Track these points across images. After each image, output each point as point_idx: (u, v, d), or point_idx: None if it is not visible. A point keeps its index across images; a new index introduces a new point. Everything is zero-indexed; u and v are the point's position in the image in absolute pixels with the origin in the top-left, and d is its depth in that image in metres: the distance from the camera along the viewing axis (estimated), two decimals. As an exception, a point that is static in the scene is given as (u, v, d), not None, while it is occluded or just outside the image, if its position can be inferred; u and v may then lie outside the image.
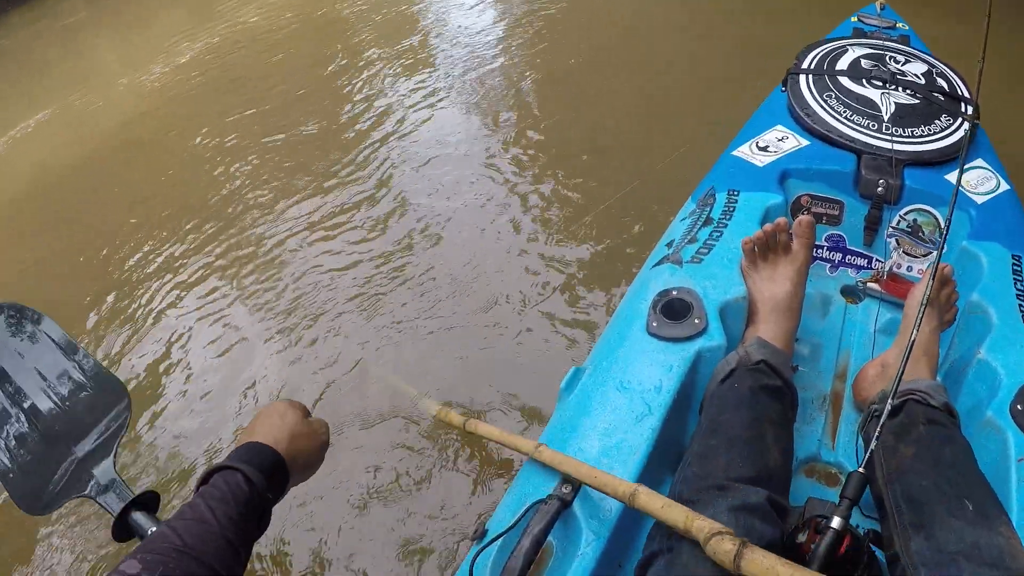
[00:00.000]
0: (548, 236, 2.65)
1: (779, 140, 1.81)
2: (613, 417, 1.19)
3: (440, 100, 3.69)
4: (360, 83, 3.99)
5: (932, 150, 1.67)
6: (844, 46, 2.13)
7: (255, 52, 4.74)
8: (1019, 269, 1.46)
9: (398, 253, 2.70)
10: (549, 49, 4.11)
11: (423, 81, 3.90)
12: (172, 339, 2.55)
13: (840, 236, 1.70)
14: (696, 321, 1.27)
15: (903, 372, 1.07)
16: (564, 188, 2.93)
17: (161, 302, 2.74)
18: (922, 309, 1.15)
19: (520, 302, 2.36)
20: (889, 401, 1.04)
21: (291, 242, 2.88)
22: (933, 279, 1.21)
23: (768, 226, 1.37)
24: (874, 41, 2.19)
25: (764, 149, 1.79)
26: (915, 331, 1.12)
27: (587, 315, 2.27)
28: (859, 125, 1.75)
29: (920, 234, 1.63)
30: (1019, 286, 1.41)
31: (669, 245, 1.58)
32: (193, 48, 5.00)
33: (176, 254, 2.95)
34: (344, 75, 4.11)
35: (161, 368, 2.46)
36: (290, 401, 0.95)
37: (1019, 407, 1.15)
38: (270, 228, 2.98)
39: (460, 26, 4.51)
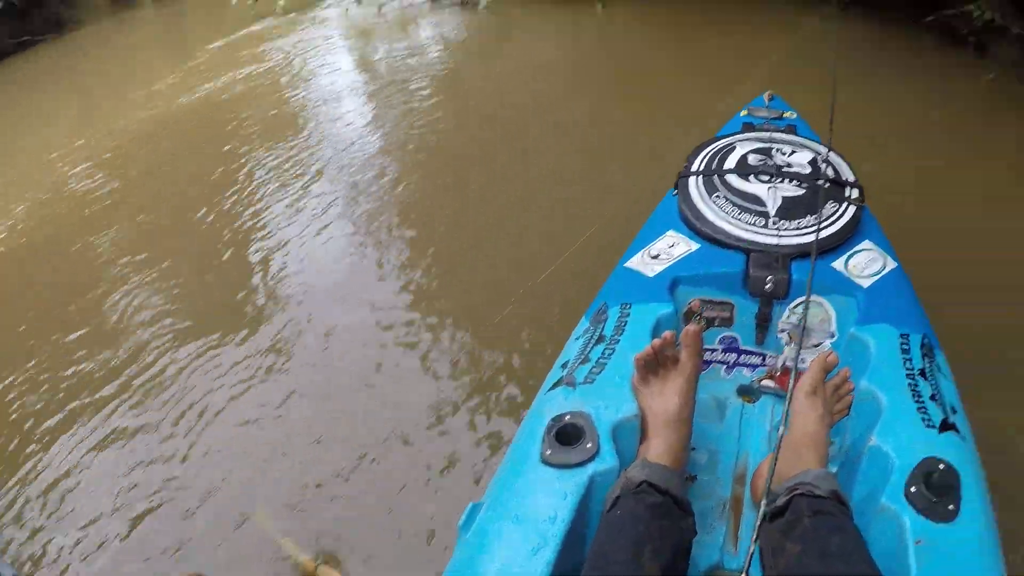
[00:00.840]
0: (444, 357, 3.18)
1: (670, 247, 2.27)
2: (509, 552, 1.46)
3: (326, 213, 4.39)
4: (241, 201, 4.65)
5: (816, 240, 2.11)
6: (732, 143, 2.67)
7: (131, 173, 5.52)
8: (907, 347, 1.87)
9: (283, 378, 3.20)
10: (431, 155, 5.04)
11: (305, 196, 4.63)
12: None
13: (733, 337, 2.13)
14: (588, 445, 1.60)
15: (773, 471, 1.38)
16: (458, 304, 3.54)
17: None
18: (787, 404, 1.50)
19: (416, 434, 2.84)
20: (763, 504, 1.34)
21: (169, 368, 3.36)
22: (794, 374, 1.58)
23: (655, 341, 1.72)
24: (762, 134, 2.74)
25: (656, 257, 2.24)
26: (783, 428, 1.46)
27: (488, 444, 2.74)
28: (747, 223, 2.22)
29: (811, 325, 2.05)
30: (908, 364, 1.81)
31: (564, 366, 1.94)
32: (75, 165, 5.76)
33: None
34: (224, 190, 4.83)
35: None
36: None
37: (912, 489, 1.48)
38: (140, 355, 3.47)
39: (345, 138, 5.43)
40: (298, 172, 4.94)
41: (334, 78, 7.00)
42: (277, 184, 4.87)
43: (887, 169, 3.66)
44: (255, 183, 4.90)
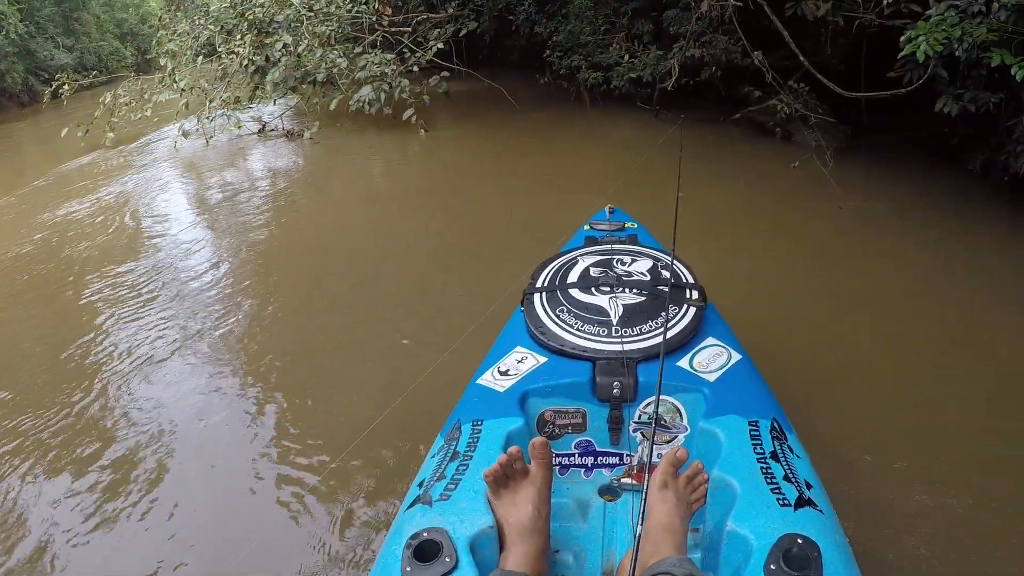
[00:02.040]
0: (301, 479, 3.22)
1: (518, 362, 2.40)
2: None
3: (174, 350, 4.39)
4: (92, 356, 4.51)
5: (658, 344, 2.30)
6: (575, 257, 2.89)
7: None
8: (756, 433, 2.01)
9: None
10: (267, 284, 5.24)
11: (146, 326, 4.65)
12: None
13: (588, 441, 2.25)
14: (447, 560, 1.65)
15: (635, 565, 1.47)
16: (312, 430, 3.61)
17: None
18: (643, 500, 1.63)
19: (282, 556, 2.82)
20: None
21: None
22: (647, 471, 1.72)
23: (501, 457, 1.82)
24: (603, 247, 2.99)
25: (505, 373, 2.37)
26: (640, 525, 1.56)
27: (352, 564, 2.75)
28: (590, 334, 2.39)
29: (663, 422, 2.21)
30: (759, 449, 1.95)
31: (420, 484, 2.00)
32: None
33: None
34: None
35: None
36: None
37: (772, 567, 1.57)
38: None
39: (184, 272, 5.53)
40: (137, 306, 4.97)
41: (168, 211, 7.13)
42: (118, 316, 4.88)
43: (725, 264, 4.06)
44: (98, 317, 4.89)
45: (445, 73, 9.63)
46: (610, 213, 3.59)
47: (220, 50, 10.04)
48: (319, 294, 5.07)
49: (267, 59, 9.62)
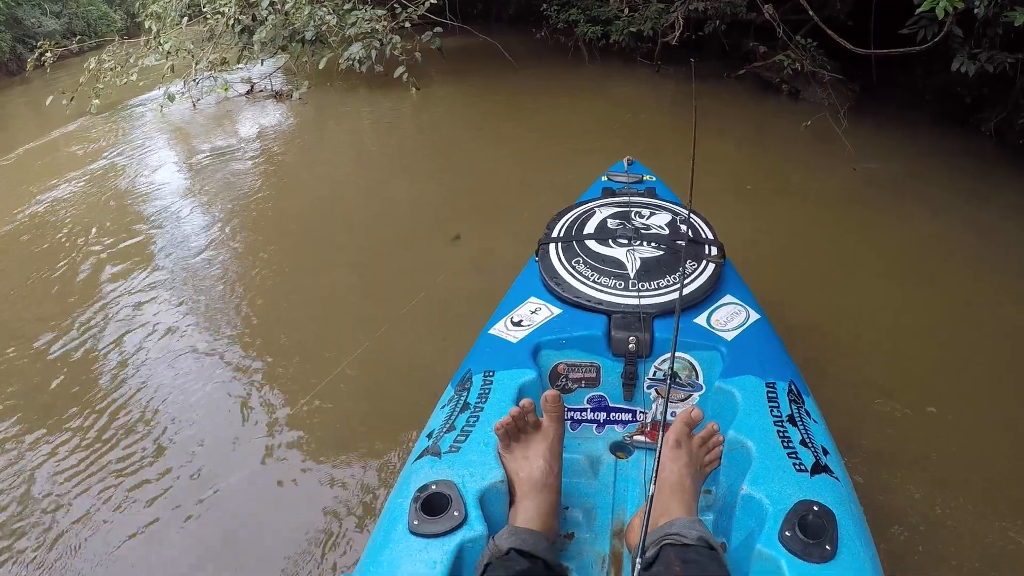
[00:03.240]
0: (311, 426, 3.30)
1: (532, 313, 2.40)
2: (380, 624, 1.46)
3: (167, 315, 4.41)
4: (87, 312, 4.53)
5: (676, 299, 2.29)
6: (592, 208, 2.87)
7: None
8: (774, 395, 2.01)
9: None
10: (262, 243, 5.26)
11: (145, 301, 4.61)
12: None
13: (601, 396, 2.25)
14: (455, 514, 1.66)
15: (647, 525, 1.46)
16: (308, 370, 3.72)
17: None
18: (656, 459, 1.61)
19: (289, 505, 2.92)
20: (637, 558, 1.44)
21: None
22: (662, 429, 1.69)
23: (513, 410, 1.81)
24: (621, 199, 2.97)
25: (518, 324, 2.37)
26: (652, 484, 1.55)
27: (358, 514, 2.80)
28: (607, 286, 2.38)
29: (678, 380, 2.20)
30: (776, 412, 1.94)
31: (429, 436, 2.00)
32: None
33: None
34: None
35: None
36: None
37: (787, 533, 1.57)
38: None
39: (177, 237, 5.52)
40: (136, 281, 4.93)
41: (158, 177, 7.05)
42: (113, 286, 4.88)
43: (735, 223, 4.10)
44: (93, 288, 4.88)
45: (438, 29, 9.45)
46: (628, 165, 3.57)
47: (205, 10, 9.92)
48: (313, 257, 5.07)
49: (254, 18, 9.48)
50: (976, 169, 6.11)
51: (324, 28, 9.19)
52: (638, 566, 1.43)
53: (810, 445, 1.86)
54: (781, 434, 1.89)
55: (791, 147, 6.81)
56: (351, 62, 9.03)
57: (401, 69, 8.82)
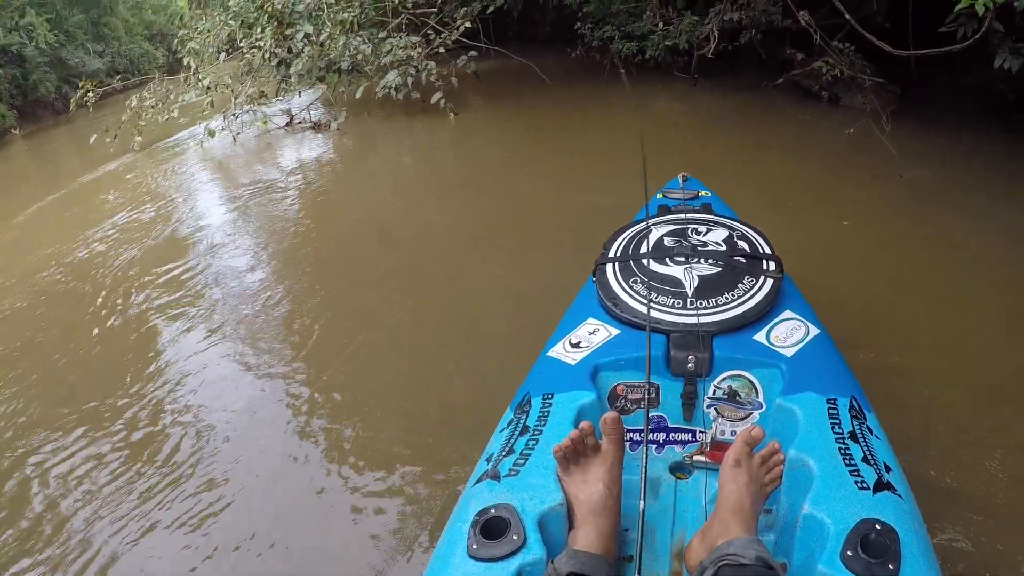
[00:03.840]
0: (361, 464, 3.31)
1: (590, 334, 2.42)
2: (442, 646, 1.48)
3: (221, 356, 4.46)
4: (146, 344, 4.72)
5: (736, 316, 2.31)
6: (648, 227, 2.87)
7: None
8: (835, 412, 1.99)
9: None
10: (314, 273, 5.33)
11: (203, 331, 4.72)
12: None
13: (661, 417, 2.25)
14: (515, 538, 1.68)
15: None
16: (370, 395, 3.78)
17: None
18: (643, 470, 1.70)
19: (350, 530, 2.98)
20: None
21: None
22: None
23: (572, 433, 1.82)
24: (677, 216, 2.97)
25: (577, 346, 2.38)
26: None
27: (420, 540, 2.84)
28: (665, 306, 2.39)
29: (737, 398, 2.20)
30: (837, 429, 1.92)
31: (489, 459, 2.02)
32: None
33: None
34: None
35: None
36: None
37: (849, 553, 1.56)
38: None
39: (230, 272, 5.63)
40: (190, 310, 5.08)
41: (200, 212, 7.22)
42: (166, 320, 5.00)
43: (780, 238, 4.09)
44: (150, 322, 5.02)
45: (473, 53, 9.46)
46: (683, 181, 3.58)
47: (242, 45, 10.07)
48: (356, 287, 5.14)
49: (290, 51, 9.62)
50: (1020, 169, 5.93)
51: (359, 57, 9.26)
52: None
53: (872, 462, 1.85)
54: (843, 451, 1.87)
55: (833, 156, 6.67)
56: (387, 90, 9.11)
57: (438, 95, 8.89)
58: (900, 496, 1.76)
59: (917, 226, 5.18)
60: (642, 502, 1.76)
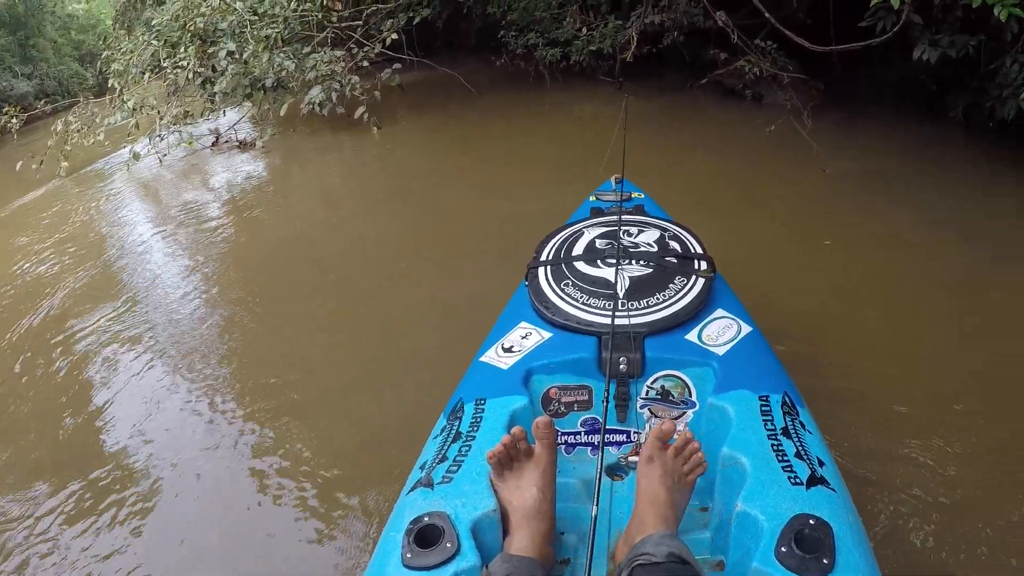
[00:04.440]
0: (300, 481, 3.25)
1: (523, 338, 2.40)
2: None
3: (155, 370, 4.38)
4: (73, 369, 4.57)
5: (668, 316, 2.31)
6: (580, 230, 2.87)
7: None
8: (767, 409, 2.00)
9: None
10: (243, 295, 5.22)
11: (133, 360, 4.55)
12: None
13: (595, 419, 2.23)
14: (448, 545, 1.66)
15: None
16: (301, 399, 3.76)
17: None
18: (598, 475, 1.69)
19: (288, 546, 2.93)
20: None
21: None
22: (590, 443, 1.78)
23: (504, 438, 1.81)
24: (610, 218, 2.97)
25: (509, 350, 2.36)
26: (595, 508, 1.65)
27: (356, 548, 2.81)
28: (596, 308, 2.38)
29: (671, 398, 2.19)
30: (769, 425, 1.93)
31: (422, 467, 2.00)
32: None
33: None
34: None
35: None
36: None
37: (783, 549, 1.56)
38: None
39: (159, 296, 5.46)
40: (120, 334, 4.94)
41: (128, 237, 6.99)
42: (102, 348, 4.83)
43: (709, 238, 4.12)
44: (79, 351, 4.85)
45: (397, 65, 9.37)
46: (616, 183, 3.57)
47: (165, 65, 9.91)
48: (287, 305, 5.07)
49: (213, 69, 9.48)
50: (945, 156, 6.14)
51: (284, 74, 9.14)
52: None
53: (805, 457, 1.86)
54: (775, 448, 1.88)
55: (758, 154, 6.75)
56: (312, 106, 8.99)
57: (361, 109, 8.80)
58: (834, 490, 1.77)
59: (841, 217, 5.28)
60: (595, 507, 1.76)
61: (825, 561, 1.54)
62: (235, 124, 10.19)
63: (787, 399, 2.10)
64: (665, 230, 2.84)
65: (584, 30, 9.36)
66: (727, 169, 6.52)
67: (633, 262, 2.61)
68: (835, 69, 8.01)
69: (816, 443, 1.97)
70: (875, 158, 6.29)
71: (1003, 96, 5.63)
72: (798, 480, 1.76)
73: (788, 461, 1.83)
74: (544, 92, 10.07)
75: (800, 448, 1.89)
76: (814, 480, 1.77)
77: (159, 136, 9.46)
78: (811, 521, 1.62)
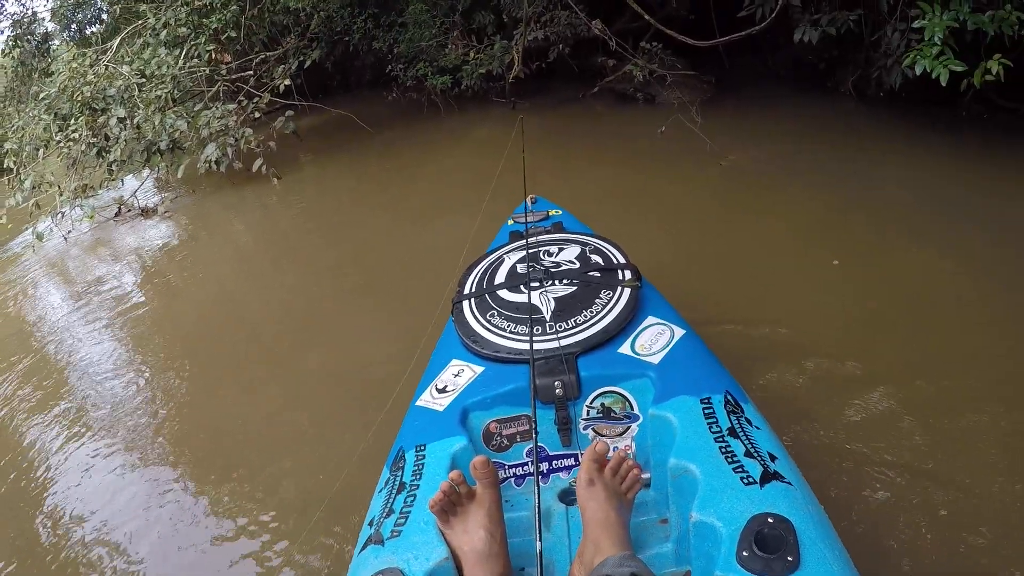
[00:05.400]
0: (250, 545, 3.13)
1: (455, 376, 2.33)
2: None
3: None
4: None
5: (598, 332, 2.26)
6: (500, 257, 2.83)
7: None
8: (710, 411, 1.95)
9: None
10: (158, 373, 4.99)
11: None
12: None
13: (541, 447, 2.16)
14: None
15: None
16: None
17: None
18: (536, 507, 1.66)
19: None
20: None
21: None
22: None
23: (443, 485, 1.77)
24: (526, 241, 2.91)
25: (443, 391, 2.29)
26: (539, 544, 1.62)
27: None
28: (524, 335, 2.32)
29: (612, 415, 2.14)
30: (715, 428, 1.89)
31: (371, 523, 1.93)
32: None
33: None
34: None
35: None
36: None
37: (744, 553, 1.52)
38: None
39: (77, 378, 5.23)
40: (44, 420, 4.73)
41: (38, 322, 6.74)
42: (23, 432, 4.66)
43: (640, 238, 4.09)
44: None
45: (290, 112, 9.21)
46: (532, 203, 3.54)
47: (58, 138, 9.64)
48: (211, 366, 4.94)
49: (106, 138, 9.25)
50: (843, 131, 6.31)
51: (177, 134, 8.94)
52: None
53: (756, 455, 1.81)
54: (724, 450, 1.84)
55: (656, 155, 6.76)
56: (209, 164, 8.80)
57: (259, 162, 8.62)
58: (789, 483, 1.72)
59: (743, 206, 5.36)
60: (539, 543, 1.68)
61: (790, 559, 1.49)
62: (136, 191, 9.93)
63: (729, 397, 2.06)
64: (585, 244, 2.81)
65: (472, 54, 9.34)
66: (629, 174, 6.53)
67: (555, 282, 2.58)
68: (724, 62, 8.13)
69: (765, 438, 1.93)
70: (771, 144, 6.38)
71: (888, 65, 5.80)
72: (751, 479, 1.71)
73: (739, 461, 1.79)
74: (440, 120, 10.01)
75: (749, 446, 1.85)
76: (767, 476, 1.73)
77: (61, 213, 9.18)
78: (770, 520, 1.58)
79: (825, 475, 2.70)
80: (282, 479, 3.53)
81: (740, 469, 1.76)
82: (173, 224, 8.71)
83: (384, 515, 1.94)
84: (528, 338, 2.33)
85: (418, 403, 2.36)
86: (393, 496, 2.00)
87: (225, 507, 3.42)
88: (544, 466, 2.22)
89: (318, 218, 7.70)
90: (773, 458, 1.81)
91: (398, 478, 2.07)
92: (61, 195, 9.18)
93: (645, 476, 1.93)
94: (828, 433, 2.96)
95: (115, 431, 4.33)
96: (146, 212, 9.15)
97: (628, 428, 2.19)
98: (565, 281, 2.57)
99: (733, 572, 1.51)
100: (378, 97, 11.22)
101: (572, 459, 2.22)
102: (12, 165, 9.78)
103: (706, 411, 1.99)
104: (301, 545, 3.06)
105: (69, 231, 9.04)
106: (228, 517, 3.34)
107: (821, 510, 1.71)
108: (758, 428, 1.97)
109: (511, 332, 2.40)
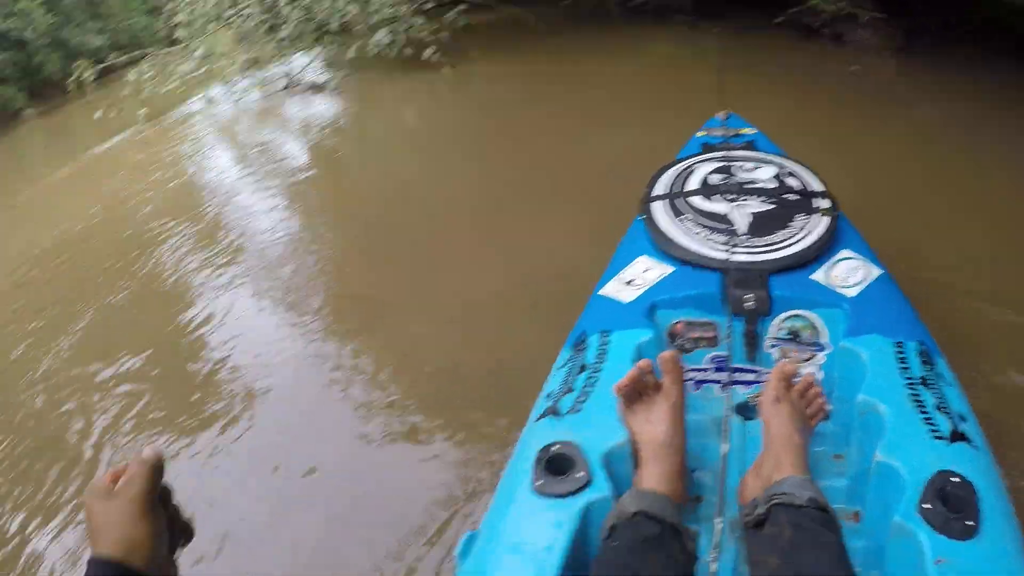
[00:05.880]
0: (406, 409, 3.28)
1: (644, 272, 2.33)
2: (508, 581, 1.46)
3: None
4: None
5: (792, 254, 2.22)
6: (691, 165, 2.78)
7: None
8: (903, 356, 1.91)
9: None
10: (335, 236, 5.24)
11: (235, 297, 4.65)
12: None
13: (722, 356, 2.16)
14: (580, 475, 1.63)
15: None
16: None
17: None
18: (726, 413, 1.62)
19: (411, 463, 2.97)
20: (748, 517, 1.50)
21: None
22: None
23: (632, 371, 1.76)
24: (721, 153, 2.87)
25: (630, 283, 2.30)
26: (725, 446, 1.57)
27: (482, 473, 2.80)
28: (718, 243, 2.29)
29: (800, 339, 2.12)
30: (907, 374, 1.84)
31: (549, 396, 1.97)
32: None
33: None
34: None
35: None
36: (89, 489, 1.06)
37: (926, 506, 1.48)
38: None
39: (253, 234, 5.52)
40: (218, 275, 4.98)
41: (210, 180, 7.08)
42: (200, 282, 4.94)
43: (843, 170, 3.87)
44: (177, 282, 4.99)
45: (462, 6, 9.22)
46: (725, 119, 3.44)
47: (228, 14, 9.85)
48: (382, 242, 5.00)
49: (278, 15, 9.41)
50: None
51: (347, 18, 9.01)
52: (744, 522, 1.51)
53: (946, 410, 1.76)
54: (914, 398, 1.79)
55: (845, 97, 6.39)
56: (378, 49, 8.86)
57: (430, 50, 8.62)
58: (977, 448, 1.67)
59: (945, 162, 5.03)
60: (725, 444, 1.71)
61: (970, 523, 1.45)
62: (305, 67, 10.10)
63: (924, 347, 1.99)
64: (782, 167, 2.73)
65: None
66: (816, 111, 6.23)
67: (751, 198, 2.52)
68: (916, 10, 7.68)
69: (956, 396, 1.87)
70: (965, 101, 5.97)
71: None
72: (940, 434, 1.67)
73: (928, 413, 1.74)
74: (616, 31, 9.69)
75: (940, 400, 1.79)
76: (956, 436, 1.67)
77: (232, 82, 9.43)
78: (954, 479, 1.53)
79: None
80: (442, 358, 3.63)
81: (929, 421, 1.71)
82: (343, 101, 8.89)
83: (563, 391, 1.97)
84: (724, 247, 2.31)
85: (601, 292, 2.37)
86: (574, 375, 2.02)
87: (395, 368, 3.61)
88: (725, 376, 2.20)
89: (492, 113, 7.66)
90: (963, 419, 1.76)
91: (580, 359, 2.09)
92: (232, 66, 9.39)
93: (828, 407, 1.88)
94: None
95: (284, 295, 4.54)
96: (316, 87, 9.30)
97: (814, 355, 2.16)
98: (761, 198, 2.51)
99: (914, 522, 1.47)
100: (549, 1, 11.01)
101: (754, 375, 2.19)
102: (183, 36, 10.02)
103: (899, 355, 1.94)
104: (470, 408, 3.20)
105: (240, 98, 9.31)
106: (394, 379, 3.52)
107: (1001, 481, 1.66)
108: (950, 385, 1.91)
109: (704, 238, 2.37)
